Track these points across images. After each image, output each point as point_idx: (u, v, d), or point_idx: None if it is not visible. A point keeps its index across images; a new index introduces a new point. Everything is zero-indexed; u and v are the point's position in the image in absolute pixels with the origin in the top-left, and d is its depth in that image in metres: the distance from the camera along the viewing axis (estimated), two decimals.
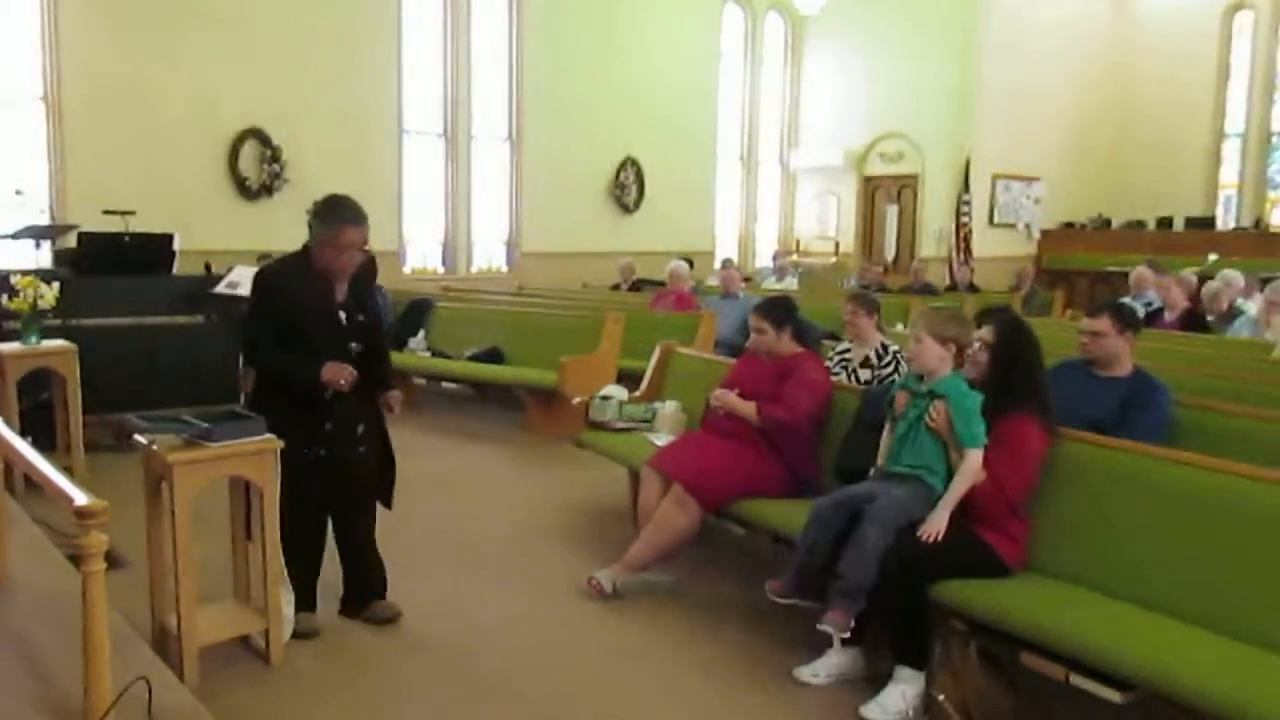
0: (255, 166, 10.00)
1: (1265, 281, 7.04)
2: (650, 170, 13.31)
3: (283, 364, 3.47)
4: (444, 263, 12.05)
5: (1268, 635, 2.69)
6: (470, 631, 3.69)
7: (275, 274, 3.56)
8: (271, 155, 10.03)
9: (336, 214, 3.45)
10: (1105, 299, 4.76)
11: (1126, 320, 3.94)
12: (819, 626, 3.24)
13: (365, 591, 3.75)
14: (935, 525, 3.18)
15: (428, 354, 8.15)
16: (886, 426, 3.57)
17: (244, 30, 9.73)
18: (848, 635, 3.23)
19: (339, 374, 3.43)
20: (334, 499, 3.61)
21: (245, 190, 9.95)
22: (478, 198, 12.11)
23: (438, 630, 3.64)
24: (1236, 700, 2.42)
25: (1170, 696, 2.57)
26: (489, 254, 12.47)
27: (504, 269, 12.45)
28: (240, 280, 6.58)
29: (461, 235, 12.03)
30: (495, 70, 12.09)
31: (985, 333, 3.47)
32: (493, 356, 7.73)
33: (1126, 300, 6.85)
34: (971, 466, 3.23)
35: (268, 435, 3.28)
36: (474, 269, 12.19)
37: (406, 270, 11.52)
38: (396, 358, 8.19)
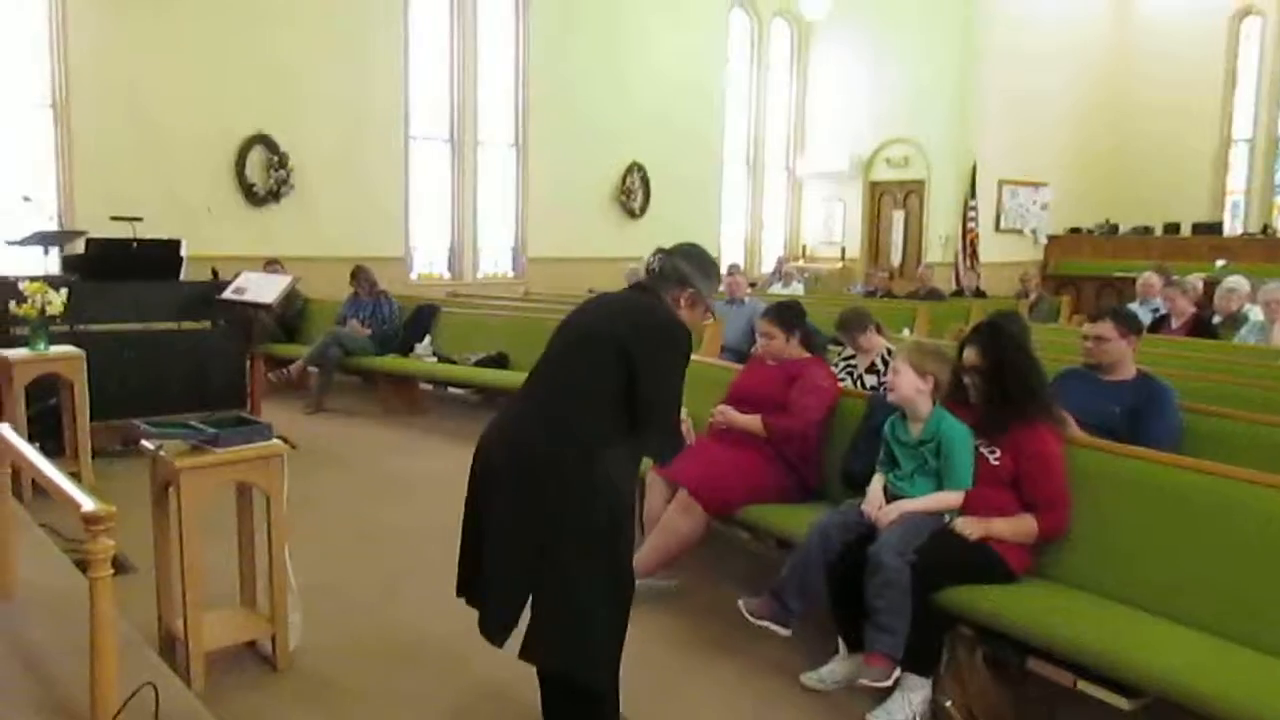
0: (262, 172, 10.03)
1: None
2: (656, 176, 13.33)
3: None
4: (450, 268, 12.06)
5: (1278, 642, 2.67)
6: (472, 633, 3.66)
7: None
8: (278, 161, 10.06)
9: (714, 265, 2.97)
10: (1108, 304, 4.77)
11: (1128, 324, 3.95)
12: (860, 681, 3.15)
13: None
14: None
15: (434, 359, 8.18)
16: (878, 474, 3.54)
17: (251, 36, 9.77)
18: (890, 684, 3.10)
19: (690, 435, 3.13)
20: None
21: (252, 196, 9.98)
22: (484, 203, 12.13)
23: (439, 632, 3.63)
24: (1247, 707, 2.40)
25: (1180, 703, 2.56)
26: (495, 259, 12.49)
27: (510, 274, 12.47)
28: (247, 286, 6.57)
29: (468, 241, 12.04)
30: (501, 76, 12.13)
31: (970, 355, 3.41)
32: (498, 362, 7.75)
33: (1132, 305, 6.83)
34: (951, 502, 3.28)
35: (274, 440, 3.29)
36: (480, 274, 12.21)
37: (413, 276, 11.53)
38: (401, 363, 8.32)
